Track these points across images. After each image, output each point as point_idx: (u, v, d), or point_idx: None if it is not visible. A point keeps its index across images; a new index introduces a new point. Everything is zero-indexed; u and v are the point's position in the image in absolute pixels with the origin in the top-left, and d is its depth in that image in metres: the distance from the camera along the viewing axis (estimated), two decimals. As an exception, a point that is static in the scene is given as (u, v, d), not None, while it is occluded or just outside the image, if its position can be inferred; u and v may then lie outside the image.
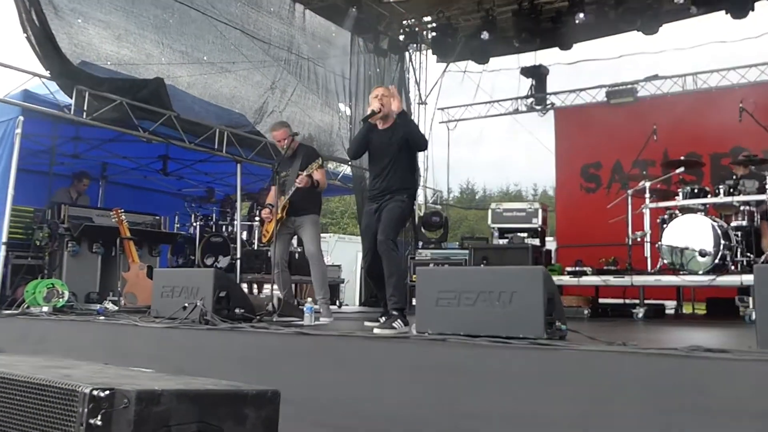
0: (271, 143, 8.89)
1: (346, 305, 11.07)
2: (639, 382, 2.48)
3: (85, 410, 1.39)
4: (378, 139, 5.17)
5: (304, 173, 5.87)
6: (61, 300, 6.01)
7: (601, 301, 8.15)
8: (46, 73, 6.89)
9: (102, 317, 5.48)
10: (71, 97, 6.97)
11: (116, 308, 6.35)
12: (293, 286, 8.27)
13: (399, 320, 4.53)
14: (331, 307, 6.29)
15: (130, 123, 7.43)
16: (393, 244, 4.87)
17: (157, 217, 8.18)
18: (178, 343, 3.89)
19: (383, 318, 4.94)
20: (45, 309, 5.83)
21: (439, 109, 12.83)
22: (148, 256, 7.73)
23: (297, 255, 8.93)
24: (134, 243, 7.10)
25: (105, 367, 1.97)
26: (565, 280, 7.46)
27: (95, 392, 1.41)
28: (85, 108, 7.02)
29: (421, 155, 12.05)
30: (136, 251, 7.09)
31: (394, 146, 5.10)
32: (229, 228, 9.51)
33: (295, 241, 8.97)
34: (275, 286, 6.08)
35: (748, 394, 2.26)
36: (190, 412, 1.45)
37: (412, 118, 12.23)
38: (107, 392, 1.41)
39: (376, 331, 4.34)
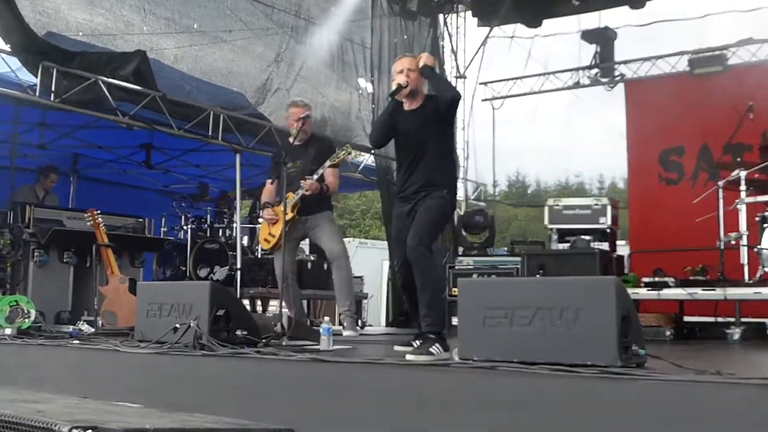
0: (278, 128, 8.95)
1: (370, 326, 11.08)
2: (738, 419, 2.45)
3: (63, 453, 1.41)
4: (405, 122, 5.13)
5: (315, 176, 5.95)
6: (26, 320, 6.09)
7: (686, 319, 8.05)
8: (6, 47, 6.99)
9: (76, 341, 5.55)
10: (36, 76, 7.07)
11: (93, 330, 6.42)
12: (305, 302, 8.31)
13: (437, 344, 4.52)
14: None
15: (107, 105, 7.52)
16: (427, 250, 4.85)
17: (140, 220, 8.27)
18: (169, 373, 3.93)
19: (417, 341, 4.93)
20: (8, 331, 5.91)
21: (481, 83, 12.78)
22: (130, 267, 7.81)
23: (310, 264, 8.97)
24: (113, 251, 7.18)
25: (83, 400, 2.00)
26: (642, 293, 7.38)
27: (75, 431, 1.43)
28: (53, 88, 7.12)
29: (460, 140, 12.05)
30: (116, 261, 7.17)
31: (425, 129, 5.07)
32: (227, 232, 9.59)
33: (306, 248, 9.00)
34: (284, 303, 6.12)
35: None
36: (189, 456, 1.46)
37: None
38: (89, 431, 1.42)
39: (409, 357, 4.34)
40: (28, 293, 6.88)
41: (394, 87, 5.08)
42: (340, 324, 6.15)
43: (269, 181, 6.52)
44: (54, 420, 1.50)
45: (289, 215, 6.13)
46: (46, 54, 7.10)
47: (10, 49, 7.01)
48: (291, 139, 6.43)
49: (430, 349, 4.44)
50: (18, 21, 6.94)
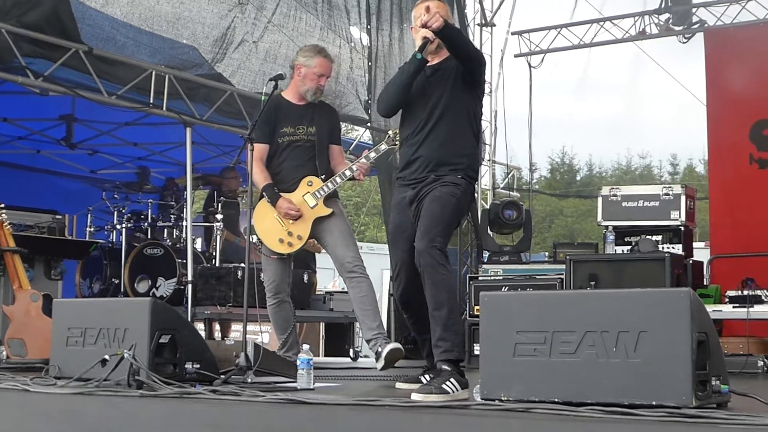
0: (243, 93, 8.92)
1: (366, 356, 11.09)
2: None
3: None
4: (418, 81, 5.17)
5: (371, 155, 6.06)
6: None
7: (786, 345, 8.07)
8: None
9: (-28, 378, 5.54)
10: None
11: (-6, 363, 6.43)
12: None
13: (453, 379, 4.54)
14: (344, 359, 6.36)
15: (13, 63, 7.49)
16: (442, 255, 4.87)
17: (59, 216, 8.26)
18: (96, 419, 3.93)
19: (427, 376, 4.94)
20: None
21: (514, 33, 12.77)
22: (45, 280, 7.81)
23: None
24: (22, 258, 7.16)
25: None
26: (727, 311, 7.39)
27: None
28: (-59, 41, 7.10)
29: (485, 109, 12.01)
30: (25, 272, 7.15)
31: (443, 91, 5.11)
32: (175, 232, 9.57)
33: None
34: (260, 327, 6.18)
35: None
36: None
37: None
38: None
39: (415, 397, 4.35)
40: None
41: (418, 42, 5.11)
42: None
43: (258, 144, 6.22)
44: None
45: (326, 211, 6.14)
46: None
47: None
48: (289, 96, 6.39)
49: (444, 386, 4.45)
50: None
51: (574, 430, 3.25)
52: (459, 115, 5.13)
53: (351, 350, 10.03)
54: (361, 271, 6.07)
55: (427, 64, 5.16)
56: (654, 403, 3.43)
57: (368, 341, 6.01)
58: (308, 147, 6.26)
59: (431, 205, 4.96)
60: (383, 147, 6.14)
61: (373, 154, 6.17)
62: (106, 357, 4.87)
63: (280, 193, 6.16)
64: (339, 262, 6.16)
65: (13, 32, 7.37)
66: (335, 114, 6.60)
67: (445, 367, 4.66)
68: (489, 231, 10.13)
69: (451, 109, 5.10)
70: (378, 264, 15.00)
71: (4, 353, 6.75)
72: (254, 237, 6.30)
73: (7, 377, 5.46)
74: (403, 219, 5.16)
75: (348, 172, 6.12)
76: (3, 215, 7.16)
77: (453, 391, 4.45)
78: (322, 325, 11.44)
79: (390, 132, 6.14)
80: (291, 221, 6.12)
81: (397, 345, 5.75)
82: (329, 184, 6.15)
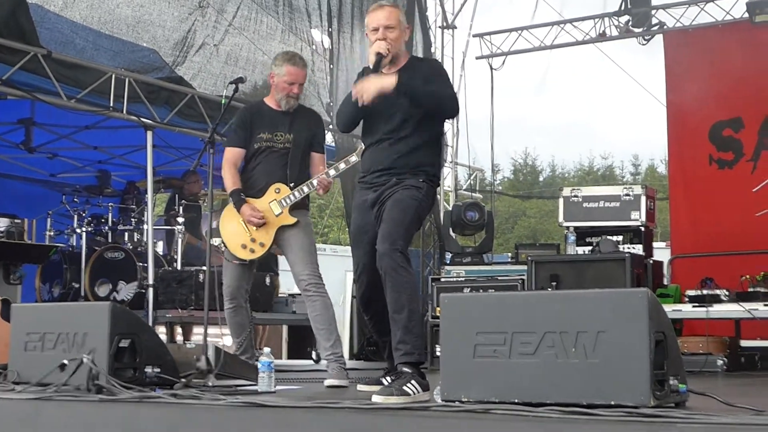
0: (204, 96, 8.89)
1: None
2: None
3: None
4: None
5: (331, 171, 5.95)
6: None
7: (744, 344, 8.14)
8: None
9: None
10: None
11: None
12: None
13: (414, 381, 4.55)
14: (307, 362, 6.34)
15: (-30, 67, 7.44)
16: (403, 257, 4.88)
17: (18, 221, 8.19)
18: (54, 424, 3.89)
19: (388, 378, 4.94)
20: None
21: (475, 36, 12.81)
22: (4, 284, 7.74)
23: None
24: (-20, 263, 7.12)
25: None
26: (686, 310, 7.45)
27: None
28: None
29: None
30: (-16, 276, 7.11)
31: (403, 97, 5.10)
32: (136, 236, 9.52)
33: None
34: (221, 330, 6.14)
35: None
36: None
37: (433, 52, 12.22)
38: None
39: (376, 399, 4.35)
40: None
41: (371, 57, 5.11)
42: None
43: (232, 148, 6.29)
44: None
45: (290, 220, 6.08)
46: None
47: None
48: (270, 101, 6.35)
49: (405, 388, 4.46)
50: None
51: (534, 430, 3.26)
52: (421, 122, 5.14)
53: (314, 352, 10.00)
54: (316, 289, 6.03)
55: (386, 72, 5.14)
56: (612, 402, 3.45)
57: (325, 357, 6.03)
58: (283, 154, 6.19)
59: (393, 208, 4.98)
60: (353, 159, 6.03)
61: (342, 165, 6.08)
62: (65, 362, 4.83)
63: (246, 199, 6.13)
64: (296, 278, 6.17)
65: (-32, 36, 7.33)
66: (318, 121, 6.49)
67: (405, 369, 4.67)
68: (451, 232, 10.16)
69: (413, 116, 5.11)
70: (342, 266, 15.00)
71: (-38, 359, 6.68)
72: (217, 240, 6.26)
73: (-36, 383, 5.44)
74: (364, 221, 5.18)
75: (316, 183, 6.07)
76: (-39, 220, 7.13)
77: (414, 393, 4.46)
78: (285, 328, 11.39)
79: (361, 144, 6.09)
80: (255, 228, 6.11)
81: (340, 382, 5.78)
82: (296, 193, 6.07)
